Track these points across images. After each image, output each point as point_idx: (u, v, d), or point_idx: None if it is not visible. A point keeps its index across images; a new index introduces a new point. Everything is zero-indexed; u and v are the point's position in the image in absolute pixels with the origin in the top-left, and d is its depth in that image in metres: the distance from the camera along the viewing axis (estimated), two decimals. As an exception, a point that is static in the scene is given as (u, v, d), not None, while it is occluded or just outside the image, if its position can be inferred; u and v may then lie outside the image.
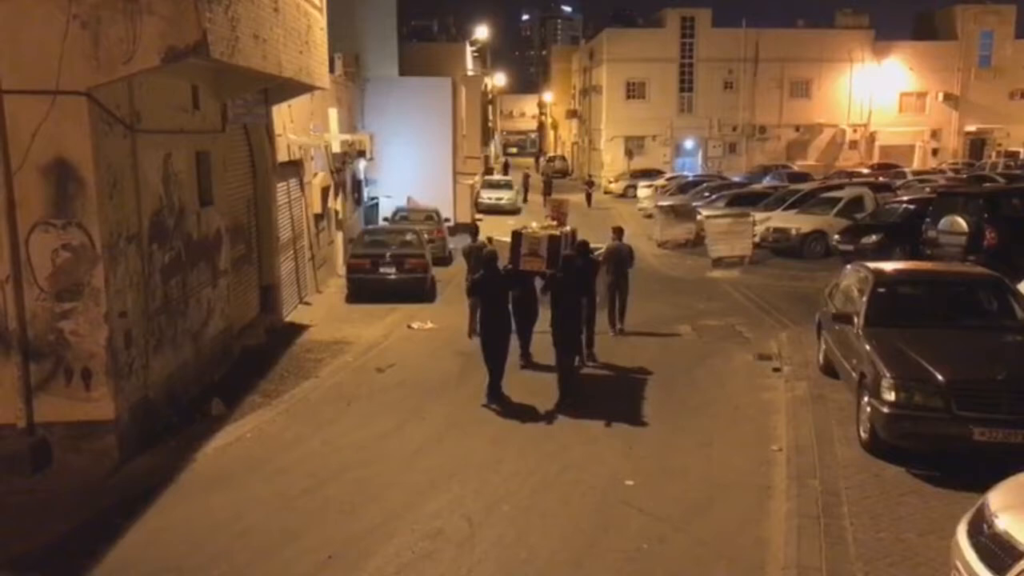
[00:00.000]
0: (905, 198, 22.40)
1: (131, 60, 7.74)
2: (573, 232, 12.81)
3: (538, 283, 11.77)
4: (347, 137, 21.60)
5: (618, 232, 14.69)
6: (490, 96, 54.55)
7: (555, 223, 13.55)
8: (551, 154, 71.61)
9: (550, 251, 11.34)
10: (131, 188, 8.80)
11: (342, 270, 19.55)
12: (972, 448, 7.62)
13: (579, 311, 11.15)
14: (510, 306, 11.20)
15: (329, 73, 15.91)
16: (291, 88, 13.44)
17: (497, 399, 10.52)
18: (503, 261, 11.62)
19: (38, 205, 7.87)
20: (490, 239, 15.13)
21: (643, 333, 14.43)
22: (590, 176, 50.22)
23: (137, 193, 8.93)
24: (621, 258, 14.13)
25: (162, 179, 9.68)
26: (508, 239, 12.03)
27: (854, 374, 9.09)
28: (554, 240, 11.46)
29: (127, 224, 8.67)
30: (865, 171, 40.14)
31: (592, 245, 12.85)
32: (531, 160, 58.60)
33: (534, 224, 13.36)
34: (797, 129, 49.46)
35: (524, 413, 10.29)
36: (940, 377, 7.82)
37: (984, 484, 5.85)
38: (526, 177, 46.52)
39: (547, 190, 39.82)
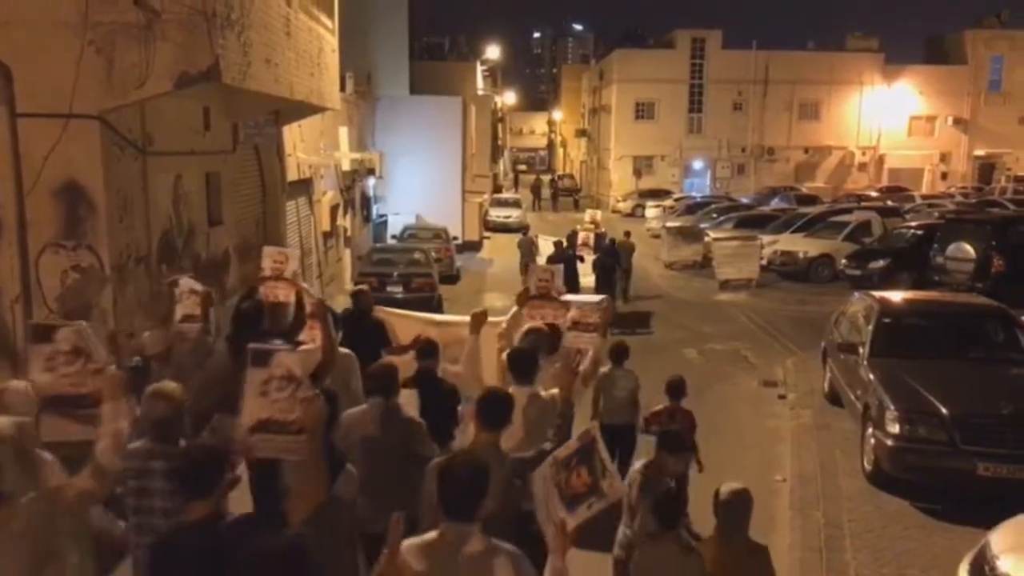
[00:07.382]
0: (913, 223, 22.38)
1: (144, 85, 7.82)
2: (603, 232, 22.22)
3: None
4: (357, 156, 21.72)
5: (627, 233, 21.61)
6: (500, 114, 54.78)
7: (593, 226, 23.38)
8: (560, 172, 71.87)
9: (595, 242, 20.17)
10: (141, 210, 8.87)
11: (349, 287, 19.59)
12: (976, 483, 7.60)
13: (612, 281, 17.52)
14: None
15: (340, 92, 16.02)
16: (302, 109, 13.55)
17: None
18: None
19: (49, 226, 7.93)
20: (537, 235, 22.92)
21: (648, 352, 14.42)
22: (568, 183, 59.85)
23: (147, 215, 9.00)
24: (629, 250, 20.27)
25: (172, 200, 9.76)
26: (552, 238, 20.52)
27: (858, 404, 9.09)
28: (599, 235, 21.08)
29: (136, 245, 8.74)
30: (874, 194, 40.01)
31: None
32: (536, 178, 59.35)
33: (579, 226, 23.32)
34: (806, 151, 49.37)
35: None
36: (945, 410, 7.81)
37: (988, 519, 5.84)
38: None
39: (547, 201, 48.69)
